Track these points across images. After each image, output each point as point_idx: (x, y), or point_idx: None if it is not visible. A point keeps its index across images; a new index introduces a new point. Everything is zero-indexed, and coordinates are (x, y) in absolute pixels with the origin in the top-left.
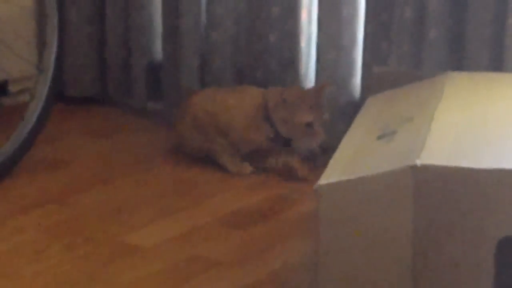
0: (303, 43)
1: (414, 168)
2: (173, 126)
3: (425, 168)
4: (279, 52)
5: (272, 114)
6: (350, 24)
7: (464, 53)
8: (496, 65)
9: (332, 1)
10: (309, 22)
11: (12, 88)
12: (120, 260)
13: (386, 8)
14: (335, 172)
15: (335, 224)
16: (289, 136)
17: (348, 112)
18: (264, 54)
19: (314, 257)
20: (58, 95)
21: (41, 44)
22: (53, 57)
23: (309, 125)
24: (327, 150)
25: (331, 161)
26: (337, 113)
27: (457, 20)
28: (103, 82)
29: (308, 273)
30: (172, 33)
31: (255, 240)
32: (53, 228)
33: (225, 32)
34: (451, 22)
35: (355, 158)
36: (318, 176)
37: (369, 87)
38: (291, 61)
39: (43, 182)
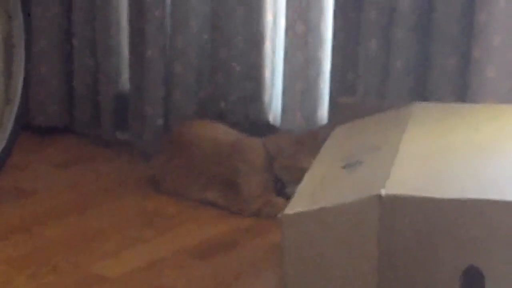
0: (267, 74)
1: (379, 198)
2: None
3: (390, 198)
4: (242, 83)
5: (275, 163)
6: (317, 55)
7: (429, 84)
8: (460, 96)
9: (298, 32)
10: (273, 52)
11: None
12: None
13: (352, 39)
14: (300, 202)
15: (299, 254)
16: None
17: None
18: (228, 85)
19: None
20: (25, 125)
21: (8, 74)
22: (20, 86)
23: None
24: None
25: (297, 191)
26: None
27: (422, 52)
28: (70, 112)
29: None
30: (138, 63)
31: (221, 271)
32: (18, 259)
33: (188, 63)
34: (416, 54)
35: (320, 188)
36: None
37: (335, 118)
38: (255, 92)
39: (9, 212)
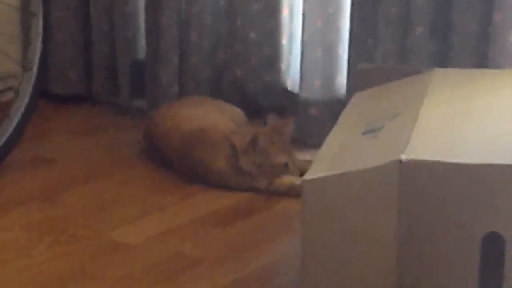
0: (284, 41)
1: (399, 163)
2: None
3: (411, 163)
4: (259, 49)
5: (241, 157)
6: (335, 21)
7: (449, 50)
8: (481, 61)
9: None
10: (291, 19)
11: None
12: (104, 257)
13: (371, 4)
14: (320, 167)
15: (319, 220)
16: (260, 174)
17: (334, 109)
18: (244, 51)
19: (298, 254)
20: (43, 93)
21: (26, 42)
22: (38, 55)
23: (285, 165)
24: None
25: (317, 157)
26: (322, 110)
27: (443, 17)
28: (88, 80)
29: (291, 270)
30: (154, 30)
31: (238, 237)
32: (37, 226)
33: (204, 29)
34: (436, 19)
35: (340, 154)
36: None
37: (354, 84)
38: (272, 58)
39: (28, 180)
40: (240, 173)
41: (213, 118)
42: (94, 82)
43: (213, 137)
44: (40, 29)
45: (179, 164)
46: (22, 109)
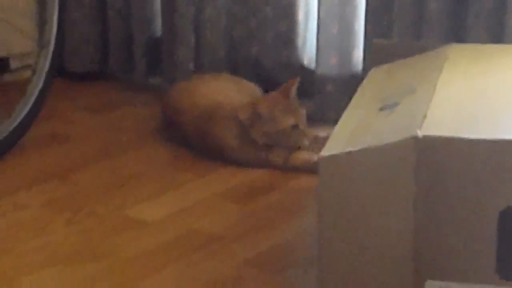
0: (300, 16)
1: (416, 139)
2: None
3: (427, 139)
4: (275, 26)
5: (250, 129)
6: None
7: (465, 25)
8: (497, 36)
9: None
10: None
11: (13, 64)
12: (122, 234)
13: None
14: (337, 144)
15: (336, 196)
16: (275, 143)
17: (350, 85)
18: (260, 28)
19: (315, 231)
20: (59, 70)
21: (42, 20)
22: (54, 32)
23: (294, 126)
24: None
25: (333, 133)
26: (339, 86)
27: None
28: (104, 57)
29: (309, 246)
30: (170, 7)
31: (255, 214)
32: (55, 203)
33: (220, 6)
34: None
35: (357, 130)
36: None
37: (371, 60)
38: (288, 35)
39: (45, 158)
40: (256, 147)
41: (229, 94)
42: (110, 59)
43: (227, 113)
44: (56, 7)
45: (196, 140)
46: (39, 87)
